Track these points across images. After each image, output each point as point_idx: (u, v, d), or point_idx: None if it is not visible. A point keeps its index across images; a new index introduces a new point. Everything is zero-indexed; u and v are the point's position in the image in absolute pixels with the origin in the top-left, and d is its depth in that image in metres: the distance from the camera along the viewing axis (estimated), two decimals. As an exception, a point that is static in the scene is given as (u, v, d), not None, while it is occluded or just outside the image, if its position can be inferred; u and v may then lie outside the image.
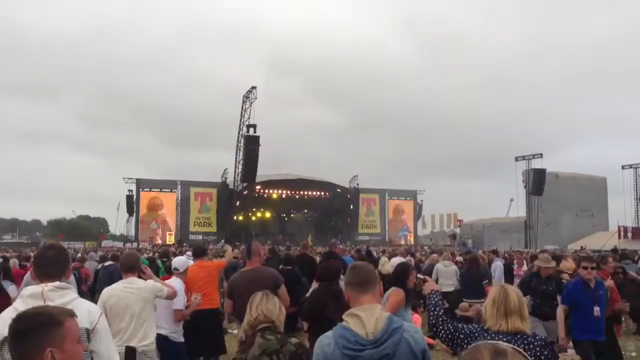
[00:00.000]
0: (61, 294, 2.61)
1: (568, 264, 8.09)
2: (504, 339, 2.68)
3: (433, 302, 3.32)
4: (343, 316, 2.42)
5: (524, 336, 2.71)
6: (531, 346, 2.66)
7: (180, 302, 5.53)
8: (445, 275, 10.95)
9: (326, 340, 2.37)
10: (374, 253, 16.86)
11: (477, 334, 2.82)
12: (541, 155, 46.30)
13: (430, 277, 11.38)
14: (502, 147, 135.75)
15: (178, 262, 6.34)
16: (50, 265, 2.76)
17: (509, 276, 13.22)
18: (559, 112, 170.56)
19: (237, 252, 17.33)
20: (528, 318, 2.84)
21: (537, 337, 2.76)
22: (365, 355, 2.25)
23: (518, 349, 1.35)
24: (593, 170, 63.86)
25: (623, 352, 8.39)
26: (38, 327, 1.78)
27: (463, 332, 2.93)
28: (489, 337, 2.72)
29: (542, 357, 2.65)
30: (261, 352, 2.82)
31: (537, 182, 45.54)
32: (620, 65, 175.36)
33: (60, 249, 2.92)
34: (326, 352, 2.32)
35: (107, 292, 4.48)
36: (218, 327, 7.08)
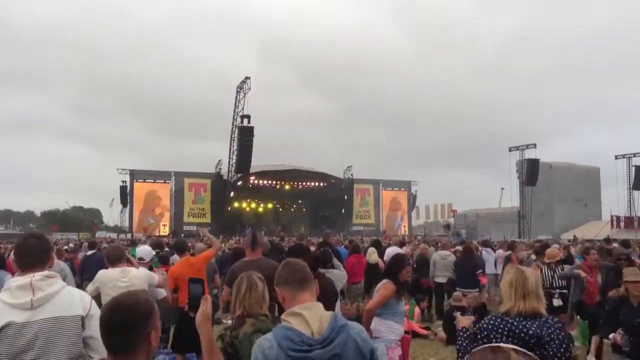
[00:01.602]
0: (50, 283, 2.58)
1: (554, 252, 7.96)
2: (527, 324, 2.72)
3: (462, 337, 3.15)
4: (283, 316, 2.23)
5: (543, 318, 2.76)
6: (552, 329, 2.71)
7: (164, 291, 5.56)
8: (441, 267, 10.97)
9: (267, 342, 2.14)
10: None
11: (497, 324, 2.79)
12: (535, 145, 46.41)
13: (428, 267, 11.48)
14: (495, 137, 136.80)
15: (143, 251, 6.33)
16: (32, 254, 2.70)
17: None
18: (553, 103, 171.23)
19: (231, 242, 17.36)
20: (543, 298, 2.87)
21: (554, 320, 2.81)
22: (313, 356, 2.07)
23: (521, 349, 1.33)
24: (586, 160, 64.43)
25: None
26: (145, 315, 1.90)
27: (484, 329, 2.85)
28: (510, 322, 2.75)
29: (561, 337, 2.70)
30: (254, 330, 2.80)
31: (530, 172, 45.66)
32: (615, 56, 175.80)
33: (41, 238, 2.85)
34: (268, 355, 2.09)
35: (104, 274, 4.52)
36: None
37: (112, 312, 1.89)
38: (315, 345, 2.08)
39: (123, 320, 1.86)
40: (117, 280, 4.44)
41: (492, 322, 2.85)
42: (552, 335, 2.69)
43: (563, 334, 2.73)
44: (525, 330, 2.70)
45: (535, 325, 2.71)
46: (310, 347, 2.08)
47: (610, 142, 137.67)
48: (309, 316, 2.16)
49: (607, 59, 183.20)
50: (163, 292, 5.49)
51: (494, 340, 2.75)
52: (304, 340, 2.09)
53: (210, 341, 2.46)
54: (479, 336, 2.85)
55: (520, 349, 1.33)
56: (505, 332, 2.74)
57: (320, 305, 2.27)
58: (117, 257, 4.77)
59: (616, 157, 52.51)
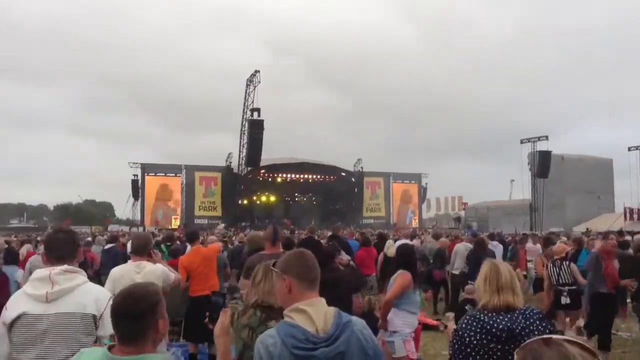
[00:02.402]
0: (69, 277, 2.63)
1: (559, 247, 7.85)
2: (498, 319, 2.66)
3: (451, 343, 3.09)
4: (286, 312, 2.18)
5: (520, 310, 2.70)
6: (531, 320, 2.65)
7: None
8: (462, 258, 10.93)
9: (270, 339, 2.08)
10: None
11: (470, 322, 2.75)
12: (547, 137, 45.93)
13: (444, 260, 11.43)
14: (507, 129, 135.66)
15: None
16: (60, 248, 2.79)
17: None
18: (565, 94, 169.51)
19: (242, 235, 17.37)
20: (520, 293, 2.83)
21: (534, 310, 2.75)
22: (318, 354, 2.02)
23: (574, 339, 1.30)
24: (599, 152, 63.79)
25: (617, 333, 8.36)
26: (154, 305, 2.01)
27: (459, 329, 2.80)
28: (481, 318, 2.71)
29: (541, 328, 2.63)
30: (247, 323, 2.80)
31: (542, 164, 45.25)
32: (627, 46, 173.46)
33: (70, 233, 2.98)
34: (272, 353, 2.04)
35: (118, 271, 4.41)
36: (219, 312, 7.09)
37: (123, 302, 2.00)
38: (320, 343, 2.05)
39: (133, 310, 1.95)
40: (131, 275, 4.36)
41: (465, 320, 2.81)
42: (531, 327, 2.61)
43: (544, 324, 2.66)
44: (495, 325, 2.65)
45: (506, 319, 2.66)
46: (315, 345, 2.04)
47: (623, 133, 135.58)
48: (313, 313, 2.12)
49: (620, 51, 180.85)
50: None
51: (467, 339, 2.71)
52: (309, 338, 2.04)
53: (227, 352, 2.49)
54: (455, 337, 2.80)
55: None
56: (478, 330, 2.69)
57: (323, 301, 2.22)
58: (141, 247, 4.59)
59: (629, 149, 51.79)
